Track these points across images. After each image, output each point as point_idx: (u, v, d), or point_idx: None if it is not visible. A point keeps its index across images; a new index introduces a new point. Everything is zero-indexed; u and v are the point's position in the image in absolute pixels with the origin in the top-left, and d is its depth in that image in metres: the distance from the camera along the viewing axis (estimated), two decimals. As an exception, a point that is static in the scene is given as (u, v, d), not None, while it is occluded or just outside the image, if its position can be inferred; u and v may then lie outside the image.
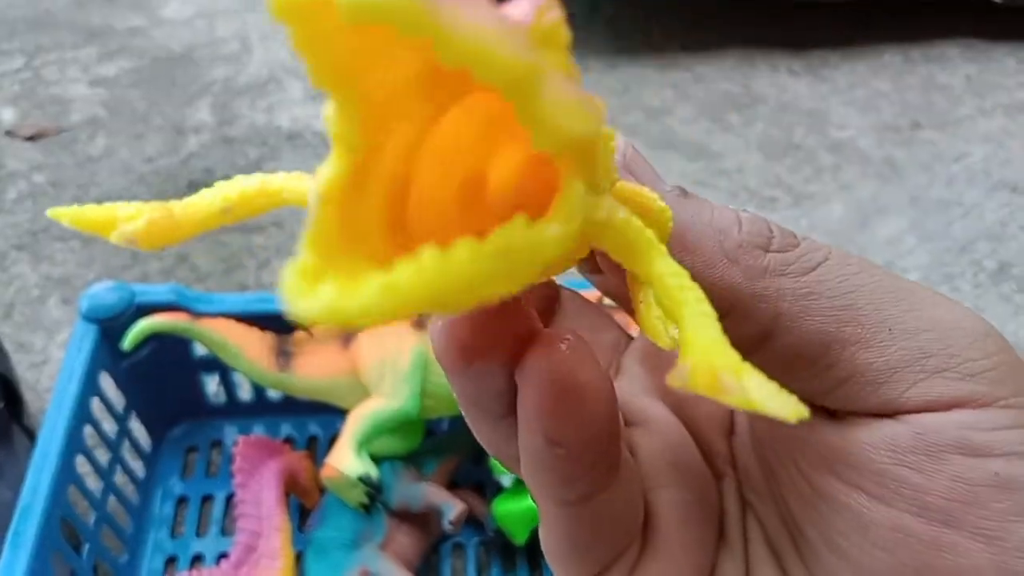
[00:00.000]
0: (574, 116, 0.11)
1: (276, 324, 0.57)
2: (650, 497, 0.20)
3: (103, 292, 0.57)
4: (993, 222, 0.89)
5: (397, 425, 0.54)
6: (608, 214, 0.13)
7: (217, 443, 0.64)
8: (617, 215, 0.14)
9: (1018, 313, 0.79)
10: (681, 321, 0.13)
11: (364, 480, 0.50)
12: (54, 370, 0.68)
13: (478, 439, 0.18)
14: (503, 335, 0.16)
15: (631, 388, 0.22)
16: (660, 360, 0.21)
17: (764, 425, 0.20)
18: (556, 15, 0.12)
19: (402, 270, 0.10)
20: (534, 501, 0.18)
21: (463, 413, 0.18)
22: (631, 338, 0.23)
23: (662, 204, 0.16)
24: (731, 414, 0.21)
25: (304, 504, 0.59)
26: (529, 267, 0.11)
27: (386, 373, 0.53)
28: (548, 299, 0.21)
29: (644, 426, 0.21)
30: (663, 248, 0.14)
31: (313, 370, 0.55)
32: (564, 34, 0.12)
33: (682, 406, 0.21)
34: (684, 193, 0.18)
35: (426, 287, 0.10)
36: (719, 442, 0.21)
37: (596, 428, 0.16)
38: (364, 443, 0.52)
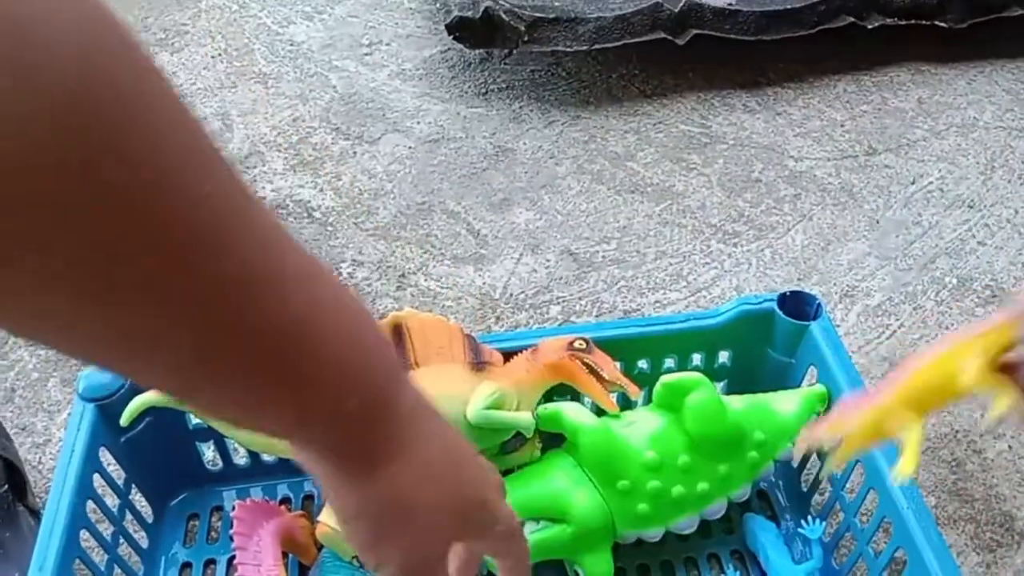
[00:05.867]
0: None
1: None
2: None
3: (98, 372, 0.60)
4: (952, 239, 0.93)
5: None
6: None
7: (217, 508, 0.66)
8: None
9: (979, 325, 0.82)
10: None
11: (354, 533, 0.53)
12: (56, 450, 0.70)
13: None
14: None
15: None
16: None
17: None
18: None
19: None
20: None
21: None
22: None
23: None
24: None
25: (302, 561, 0.62)
26: None
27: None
28: None
29: None
30: None
31: (301, 432, 0.58)
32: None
33: None
34: None
35: None
36: None
37: None
38: (353, 498, 0.55)
